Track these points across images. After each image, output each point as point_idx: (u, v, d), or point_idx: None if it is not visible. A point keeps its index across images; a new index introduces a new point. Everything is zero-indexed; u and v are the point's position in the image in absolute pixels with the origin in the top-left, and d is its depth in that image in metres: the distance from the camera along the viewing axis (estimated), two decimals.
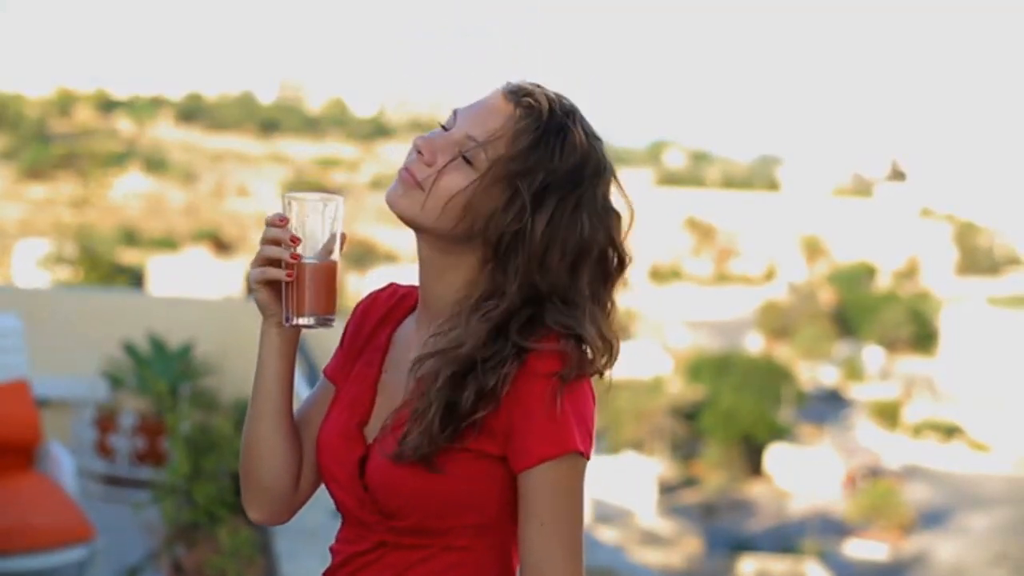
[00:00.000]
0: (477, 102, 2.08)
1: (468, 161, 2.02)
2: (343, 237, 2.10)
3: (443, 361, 2.00)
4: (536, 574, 1.96)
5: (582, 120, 2.07)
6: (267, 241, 2.07)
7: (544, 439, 1.94)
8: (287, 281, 2.07)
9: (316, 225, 2.06)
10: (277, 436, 2.18)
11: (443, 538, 2.02)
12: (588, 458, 1.99)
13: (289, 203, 2.07)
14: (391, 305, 2.26)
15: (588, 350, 1.99)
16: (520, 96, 2.05)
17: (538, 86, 2.08)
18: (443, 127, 2.08)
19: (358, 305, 2.30)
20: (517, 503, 2.00)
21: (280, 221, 2.06)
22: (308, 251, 2.06)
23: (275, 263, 2.07)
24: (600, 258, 2.05)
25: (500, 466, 1.99)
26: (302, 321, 2.08)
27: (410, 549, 2.04)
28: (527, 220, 2.00)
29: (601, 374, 2.04)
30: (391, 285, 2.30)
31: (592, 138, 2.07)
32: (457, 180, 2.02)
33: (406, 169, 2.06)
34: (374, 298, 2.29)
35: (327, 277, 2.08)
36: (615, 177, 2.08)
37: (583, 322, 2.00)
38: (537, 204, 2.00)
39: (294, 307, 2.08)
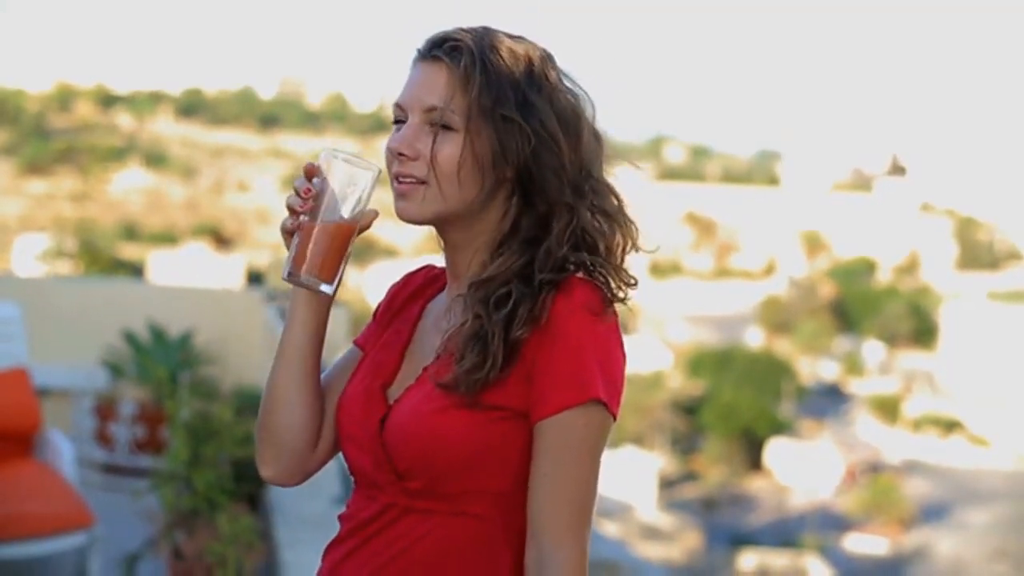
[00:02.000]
0: (409, 80, 2.07)
1: (447, 127, 2.01)
2: (372, 213, 2.06)
3: (496, 284, 1.99)
4: (538, 532, 1.92)
5: (496, 29, 2.08)
6: (294, 190, 2.05)
7: (565, 386, 1.92)
8: (292, 232, 2.04)
9: (339, 187, 2.02)
10: (296, 389, 2.15)
11: (456, 502, 1.98)
12: (613, 415, 1.96)
13: (324, 159, 2.03)
14: (425, 283, 2.25)
15: (615, 272, 2.03)
16: (441, 47, 2.04)
17: (442, 31, 2.08)
18: (399, 122, 2.07)
19: (393, 284, 2.30)
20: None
21: (308, 171, 2.03)
22: (325, 211, 2.01)
23: (293, 213, 2.05)
24: (592, 133, 2.08)
25: (521, 425, 1.96)
26: (297, 278, 2.04)
27: (421, 514, 2.00)
28: (532, 133, 2.01)
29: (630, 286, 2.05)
30: (427, 266, 2.30)
31: (515, 37, 2.08)
32: (451, 150, 2.01)
33: (398, 179, 2.04)
34: (408, 278, 2.29)
35: (331, 240, 2.02)
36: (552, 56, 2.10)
37: (615, 219, 2.06)
38: (528, 115, 2.00)
39: (291, 260, 2.04)
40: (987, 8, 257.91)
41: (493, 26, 2.09)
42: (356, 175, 2.02)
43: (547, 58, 2.07)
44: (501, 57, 2.02)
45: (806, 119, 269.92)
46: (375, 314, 2.28)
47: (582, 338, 1.93)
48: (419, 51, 2.07)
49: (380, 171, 2.04)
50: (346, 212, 2.02)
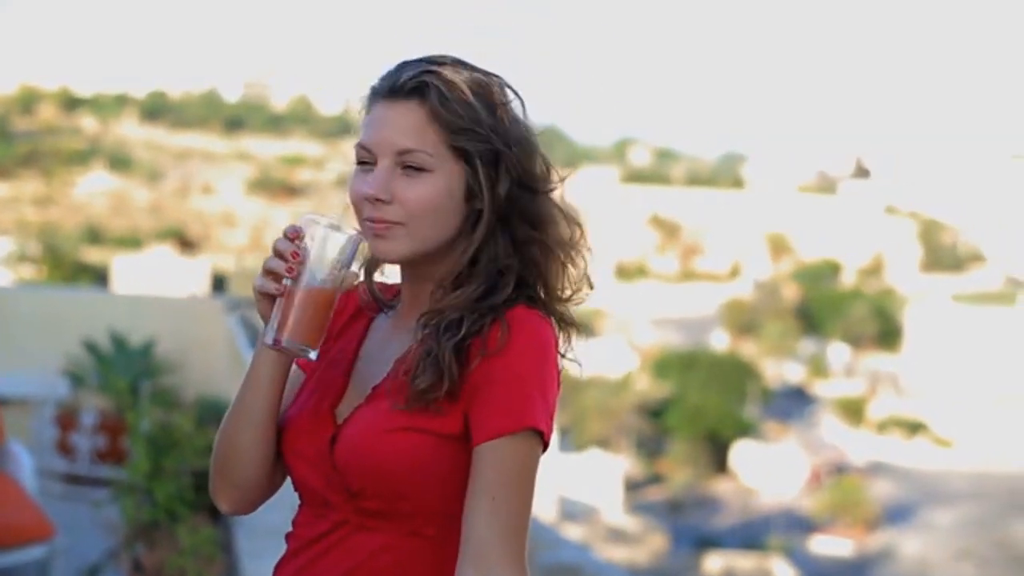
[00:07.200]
0: (374, 120, 2.05)
1: (420, 168, 2.01)
2: (353, 276, 2.04)
3: (449, 313, 2.00)
4: (478, 557, 1.91)
5: (453, 59, 2.07)
6: (273, 252, 2.01)
7: (506, 412, 1.93)
8: (278, 296, 2.01)
9: (324, 253, 2.00)
10: (256, 444, 2.13)
11: (410, 522, 1.99)
12: (546, 443, 1.97)
13: (305, 223, 2.00)
14: (367, 299, 2.23)
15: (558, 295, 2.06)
16: (405, 84, 2.02)
17: (401, 66, 2.06)
18: (362, 163, 2.05)
19: None
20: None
21: (291, 235, 2.00)
22: (309, 276, 1.99)
23: (274, 277, 2.02)
24: (545, 162, 2.10)
25: (463, 449, 1.97)
26: (282, 343, 2.01)
27: (374, 532, 2.00)
28: (508, 167, 2.03)
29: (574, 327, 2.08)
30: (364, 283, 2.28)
31: (472, 66, 2.08)
32: (426, 191, 2.01)
33: (373, 222, 2.02)
34: (347, 295, 2.25)
35: (317, 306, 2.01)
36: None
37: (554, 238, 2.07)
38: (498, 149, 2.03)
39: (276, 326, 2.01)
40: (951, 12, 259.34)
41: (449, 54, 2.07)
42: (338, 240, 2.00)
43: (504, 87, 2.08)
44: (467, 91, 2.01)
45: (771, 122, 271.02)
46: None
47: (524, 367, 1.94)
48: (381, 89, 2.05)
49: (362, 238, 2.03)
50: (329, 277, 2.01)
